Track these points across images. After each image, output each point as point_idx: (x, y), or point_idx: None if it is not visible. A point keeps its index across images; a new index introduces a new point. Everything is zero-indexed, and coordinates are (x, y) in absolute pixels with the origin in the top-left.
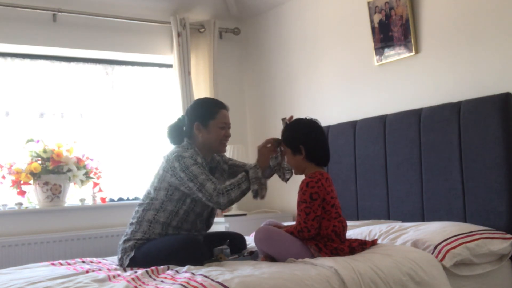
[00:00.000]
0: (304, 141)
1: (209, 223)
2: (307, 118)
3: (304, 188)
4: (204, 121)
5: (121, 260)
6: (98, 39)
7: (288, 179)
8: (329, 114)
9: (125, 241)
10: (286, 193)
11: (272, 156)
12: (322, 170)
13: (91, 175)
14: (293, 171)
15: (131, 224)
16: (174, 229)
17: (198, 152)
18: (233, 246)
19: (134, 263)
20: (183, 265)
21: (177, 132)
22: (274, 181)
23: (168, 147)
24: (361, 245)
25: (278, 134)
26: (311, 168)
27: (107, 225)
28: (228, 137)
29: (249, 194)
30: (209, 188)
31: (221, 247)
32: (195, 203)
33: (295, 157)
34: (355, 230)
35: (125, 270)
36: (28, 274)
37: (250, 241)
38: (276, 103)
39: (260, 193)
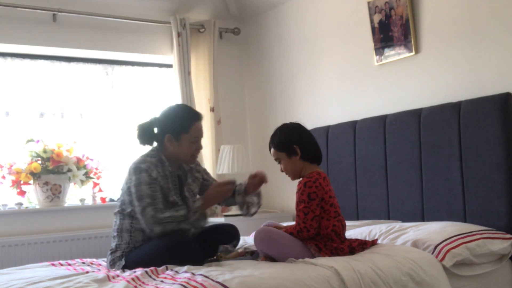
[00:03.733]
0: (297, 140)
1: None
2: (290, 122)
3: (302, 188)
4: (176, 134)
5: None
6: (98, 39)
7: (254, 213)
8: (329, 114)
9: (112, 253)
10: (286, 193)
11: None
12: (319, 169)
13: (91, 175)
14: (259, 203)
15: (113, 237)
16: None
17: (163, 160)
18: (228, 237)
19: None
20: (177, 265)
21: (148, 134)
22: (274, 181)
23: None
24: (361, 245)
25: None
26: (307, 168)
27: (107, 225)
28: (200, 149)
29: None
30: (148, 214)
31: (226, 245)
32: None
33: (291, 159)
34: (355, 230)
35: (124, 271)
36: (28, 274)
37: (250, 241)
38: (276, 103)
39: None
